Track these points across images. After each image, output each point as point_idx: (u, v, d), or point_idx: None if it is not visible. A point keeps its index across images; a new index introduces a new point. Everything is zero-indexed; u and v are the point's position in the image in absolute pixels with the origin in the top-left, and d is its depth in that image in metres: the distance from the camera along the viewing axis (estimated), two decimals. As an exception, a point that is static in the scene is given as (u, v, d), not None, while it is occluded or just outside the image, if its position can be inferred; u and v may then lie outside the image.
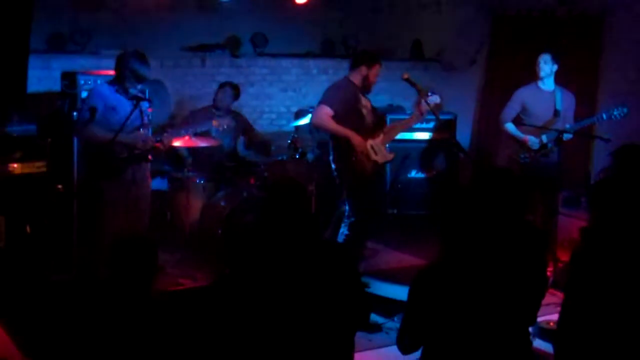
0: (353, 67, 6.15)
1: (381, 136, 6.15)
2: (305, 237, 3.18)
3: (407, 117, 6.58)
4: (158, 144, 5.52)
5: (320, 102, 6.01)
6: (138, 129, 5.45)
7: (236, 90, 7.08)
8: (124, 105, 5.36)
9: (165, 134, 5.65)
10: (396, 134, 6.39)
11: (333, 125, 5.92)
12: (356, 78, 6.11)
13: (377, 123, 6.25)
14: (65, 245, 5.86)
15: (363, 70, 6.09)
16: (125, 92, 5.40)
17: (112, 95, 5.38)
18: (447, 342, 3.16)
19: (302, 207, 3.21)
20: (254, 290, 3.10)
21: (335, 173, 6.13)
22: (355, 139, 5.93)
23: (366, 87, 6.19)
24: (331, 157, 6.14)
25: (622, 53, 7.43)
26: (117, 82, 5.44)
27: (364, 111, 6.13)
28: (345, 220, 6.08)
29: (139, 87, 5.50)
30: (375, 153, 6.06)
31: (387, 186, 7.96)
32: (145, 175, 5.60)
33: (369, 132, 6.09)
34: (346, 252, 3.30)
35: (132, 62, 5.37)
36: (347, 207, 6.07)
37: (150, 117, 5.61)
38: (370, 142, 6.05)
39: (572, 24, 7.81)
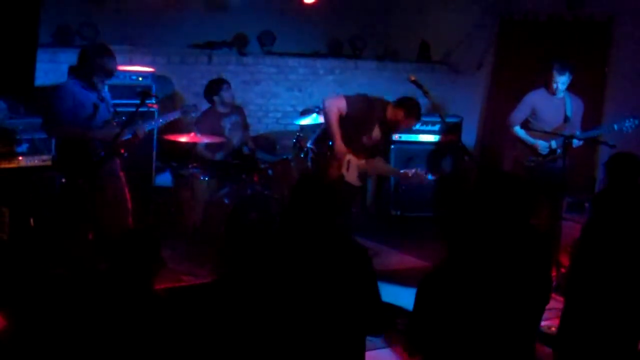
0: (395, 104, 6.19)
1: (363, 161, 6.21)
2: (318, 236, 3.15)
3: (400, 170, 6.42)
4: (132, 138, 5.46)
5: (344, 95, 6.12)
6: (108, 123, 5.38)
7: (228, 83, 6.97)
8: (92, 101, 5.30)
9: (137, 126, 5.53)
10: (377, 172, 6.65)
11: (334, 120, 6.02)
12: (390, 113, 6.16)
13: (370, 152, 6.27)
14: (65, 239, 5.85)
15: (399, 114, 6.13)
16: (92, 87, 5.33)
17: (80, 91, 5.30)
18: (452, 345, 3.15)
19: (320, 208, 3.18)
20: (257, 289, 3.09)
21: (310, 153, 6.26)
22: (338, 143, 6.02)
23: (389, 126, 6.26)
24: (313, 138, 6.30)
25: (629, 58, 7.40)
26: (83, 78, 5.34)
27: (366, 136, 6.18)
28: None
29: (107, 81, 5.41)
30: (347, 169, 6.14)
31: (392, 188, 7.97)
32: (118, 170, 5.53)
33: (354, 151, 6.14)
34: (362, 254, 3.24)
35: (99, 57, 5.28)
36: None
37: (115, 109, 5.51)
38: (350, 157, 6.14)
39: (579, 29, 7.79)
